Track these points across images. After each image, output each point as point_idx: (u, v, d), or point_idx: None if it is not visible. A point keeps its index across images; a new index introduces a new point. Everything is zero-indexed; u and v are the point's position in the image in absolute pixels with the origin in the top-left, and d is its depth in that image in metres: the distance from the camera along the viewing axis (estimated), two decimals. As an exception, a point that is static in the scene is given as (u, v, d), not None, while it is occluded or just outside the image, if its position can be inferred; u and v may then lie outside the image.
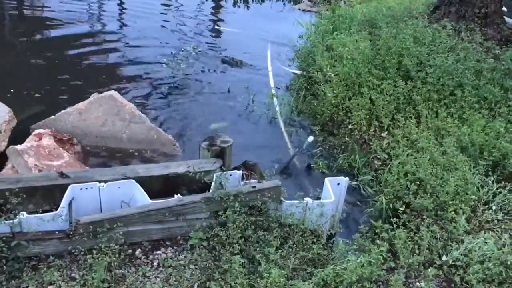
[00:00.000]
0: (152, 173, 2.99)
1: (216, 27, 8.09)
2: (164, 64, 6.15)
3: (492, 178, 3.60)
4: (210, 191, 2.98)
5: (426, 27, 5.16)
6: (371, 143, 4.50)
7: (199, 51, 6.82)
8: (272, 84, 6.01)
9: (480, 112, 4.16)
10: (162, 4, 8.81)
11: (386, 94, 4.64)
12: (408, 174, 3.65)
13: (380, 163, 4.13)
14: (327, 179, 3.40)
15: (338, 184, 3.46)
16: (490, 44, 4.96)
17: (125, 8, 8.50)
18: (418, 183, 3.55)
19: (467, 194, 3.40)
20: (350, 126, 4.74)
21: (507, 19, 5.59)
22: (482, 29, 5.25)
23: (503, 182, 3.68)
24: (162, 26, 7.68)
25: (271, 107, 5.39)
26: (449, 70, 4.53)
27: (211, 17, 8.68)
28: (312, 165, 4.41)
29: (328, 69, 5.28)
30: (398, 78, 4.78)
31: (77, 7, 8.04)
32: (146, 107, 5.06)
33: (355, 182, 4.12)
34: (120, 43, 6.89)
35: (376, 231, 3.38)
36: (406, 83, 4.65)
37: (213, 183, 3.03)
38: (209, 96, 5.69)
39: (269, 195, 2.97)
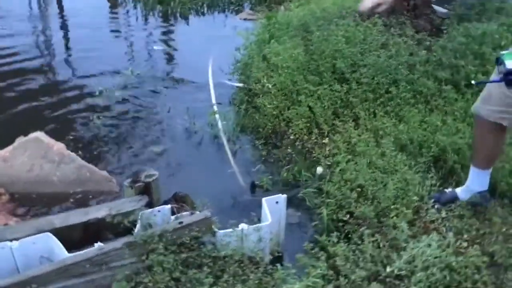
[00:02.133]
0: (70, 221, 2.77)
1: (154, 47, 7.88)
2: (98, 93, 5.92)
3: (432, 175, 3.53)
4: (135, 232, 2.79)
5: (357, 25, 5.08)
6: (313, 152, 4.39)
7: (138, 74, 6.61)
8: (213, 100, 5.85)
9: (416, 108, 4.09)
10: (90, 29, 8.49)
11: (324, 99, 4.54)
12: (348, 182, 3.53)
13: (325, 174, 4.01)
14: (264, 200, 3.25)
15: (277, 202, 3.32)
16: (421, 35, 4.91)
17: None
18: (359, 190, 3.44)
19: (408, 195, 3.31)
20: (291, 137, 4.62)
21: (436, 7, 5.57)
22: (413, 21, 5.21)
23: (445, 178, 3.63)
24: (93, 52, 7.38)
25: (213, 125, 5.23)
26: (383, 67, 4.46)
27: (147, 36, 8.45)
28: (256, 183, 4.25)
29: (265, 80, 5.16)
30: (334, 81, 4.69)
31: None
32: (78, 144, 4.81)
33: (301, 194, 3.99)
34: (47, 76, 6.64)
35: (322, 246, 3.26)
36: (342, 86, 4.56)
37: (138, 223, 2.84)
38: (148, 121, 5.48)
39: (199, 228, 2.79)
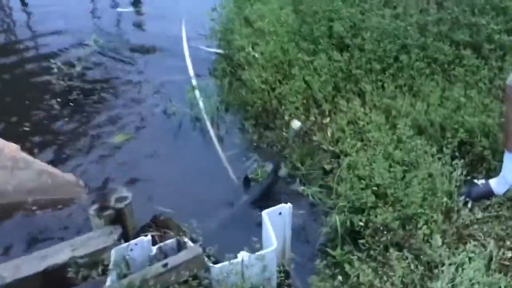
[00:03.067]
0: (23, 273, 2.16)
1: (119, 9, 6.95)
2: (56, 69, 5.11)
3: (458, 162, 2.97)
4: (109, 278, 2.20)
5: (354, -22, 4.33)
6: (312, 135, 3.78)
7: (101, 43, 5.77)
8: (191, 72, 5.11)
9: (433, 79, 3.47)
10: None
11: (321, 71, 3.88)
12: (361, 180, 2.96)
13: (330, 166, 3.41)
14: (264, 214, 2.66)
15: (280, 213, 2.74)
16: (430, -13, 4.21)
17: None
18: (375, 189, 2.87)
19: (435, 195, 2.77)
20: (286, 117, 3.98)
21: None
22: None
23: (473, 164, 3.09)
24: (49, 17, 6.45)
25: (193, 104, 4.53)
26: (389, 30, 3.79)
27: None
28: (250, 177, 3.65)
29: (250, 49, 4.44)
30: (332, 49, 4.01)
31: None
32: (34, 141, 4.09)
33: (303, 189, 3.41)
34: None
35: (336, 261, 2.75)
36: (342, 54, 3.89)
37: (111, 264, 2.24)
38: (116, 102, 4.74)
39: (189, 269, 2.21)
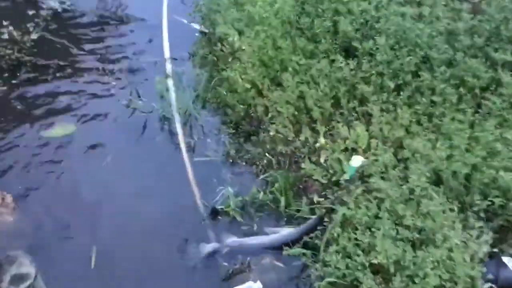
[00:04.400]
0: None
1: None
2: (5, 33, 4.27)
3: (487, 231, 2.29)
4: None
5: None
6: (300, 160, 3.05)
7: (67, 6, 4.89)
8: (167, 53, 4.29)
9: (461, 111, 2.71)
10: None
11: (320, 81, 3.11)
12: (357, 245, 2.27)
13: (322, 210, 2.70)
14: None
15: (246, 294, 2.07)
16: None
17: None
18: (376, 261, 2.19)
19: (455, 282, 2.09)
20: (271, 133, 3.23)
21: None
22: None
23: (502, 233, 2.40)
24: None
25: (164, 97, 3.75)
26: (409, 35, 3.00)
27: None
28: (219, 208, 2.95)
29: (235, 39, 3.62)
30: (335, 51, 3.22)
31: None
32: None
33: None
34: None
35: None
36: (347, 61, 3.11)
37: None
38: (71, 85, 3.95)
39: None
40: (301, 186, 2.99)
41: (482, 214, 2.37)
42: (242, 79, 3.46)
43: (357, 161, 2.73)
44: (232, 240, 2.75)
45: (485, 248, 2.24)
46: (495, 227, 2.38)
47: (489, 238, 2.27)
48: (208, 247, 2.74)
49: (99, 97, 3.86)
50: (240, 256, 2.68)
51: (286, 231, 2.70)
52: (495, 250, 2.33)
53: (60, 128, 3.47)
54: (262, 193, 2.96)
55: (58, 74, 4.06)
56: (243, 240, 2.75)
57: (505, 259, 2.26)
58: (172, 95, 3.76)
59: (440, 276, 2.03)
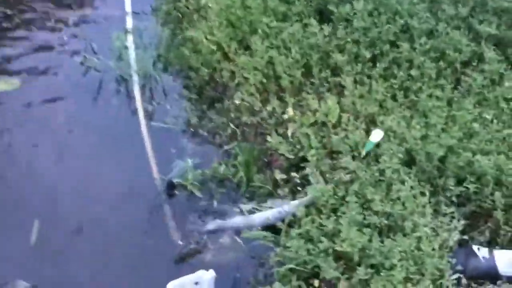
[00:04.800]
0: None
1: None
2: None
3: (458, 217, 2.15)
4: None
5: None
6: (268, 132, 2.83)
7: None
8: (128, 6, 3.92)
9: (440, 87, 2.52)
10: None
11: (291, 46, 2.86)
12: (322, 230, 2.10)
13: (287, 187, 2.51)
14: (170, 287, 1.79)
15: (197, 283, 1.88)
16: None
17: None
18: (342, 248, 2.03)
19: (422, 274, 1.96)
20: (237, 101, 2.99)
21: None
22: None
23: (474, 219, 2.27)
24: None
25: (122, 56, 3.44)
26: (389, 1, 2.75)
27: None
28: (176, 182, 2.72)
29: (201, -6, 3.31)
30: (310, 14, 2.96)
31: None
32: None
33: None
34: None
35: None
36: (321, 26, 2.85)
37: None
38: (15, 33, 3.58)
39: None
40: (266, 160, 2.80)
41: (454, 199, 2.23)
42: (207, 39, 3.18)
43: (377, 135, 2.42)
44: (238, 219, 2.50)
45: (456, 236, 2.11)
46: (467, 213, 2.24)
47: (460, 225, 2.13)
48: (209, 225, 2.50)
49: (49, 51, 3.53)
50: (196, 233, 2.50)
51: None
52: (465, 237, 2.21)
53: (2, 83, 3.13)
54: (223, 166, 2.75)
55: (4, 24, 3.67)
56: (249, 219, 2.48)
57: (474, 247, 2.13)
58: (131, 53, 3.45)
59: (407, 268, 1.89)
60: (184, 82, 3.33)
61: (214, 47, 3.17)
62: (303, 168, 2.60)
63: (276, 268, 2.14)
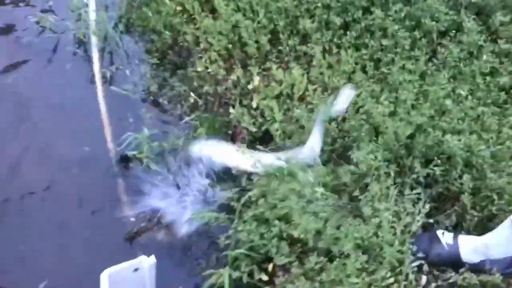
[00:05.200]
0: None
1: None
2: None
3: (425, 199, 2.02)
4: None
5: None
6: (232, 102, 2.65)
7: None
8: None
9: (411, 57, 2.33)
10: None
11: (258, 9, 2.63)
12: (274, 211, 1.96)
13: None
14: (104, 277, 1.65)
15: (137, 269, 1.74)
16: None
17: None
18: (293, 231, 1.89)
19: (380, 262, 1.83)
20: (199, 68, 2.78)
21: None
22: None
23: (440, 202, 2.13)
24: None
25: (81, 16, 3.18)
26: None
27: None
28: (130, 155, 2.55)
29: None
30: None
31: None
32: None
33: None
34: None
35: None
36: (291, -12, 2.63)
37: None
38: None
39: None
40: (229, 133, 2.63)
41: (421, 179, 2.09)
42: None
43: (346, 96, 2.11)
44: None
45: (420, 221, 1.97)
46: (433, 195, 2.11)
47: (425, 209, 1.99)
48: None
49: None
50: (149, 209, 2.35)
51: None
52: (431, 221, 2.08)
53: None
54: (183, 138, 2.57)
55: None
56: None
57: (439, 232, 2.00)
58: (91, 13, 3.20)
59: (362, 257, 1.76)
60: (146, 46, 3.11)
61: (178, 8, 2.94)
62: (268, 141, 2.46)
63: (228, 251, 2.01)
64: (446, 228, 2.05)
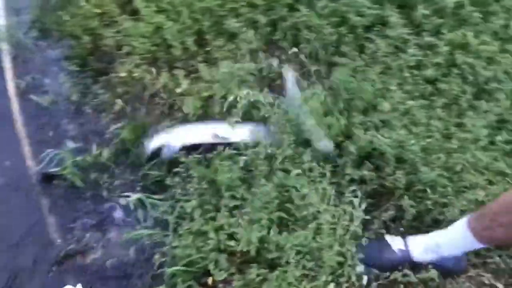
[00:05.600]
0: None
1: None
2: None
3: (361, 197, 2.00)
4: None
5: None
6: (161, 107, 2.53)
7: None
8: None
9: (338, 52, 2.30)
10: None
11: (181, 10, 2.52)
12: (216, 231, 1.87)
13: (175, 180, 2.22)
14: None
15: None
16: None
17: None
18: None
19: (322, 267, 1.79)
20: (123, 73, 2.62)
21: None
22: None
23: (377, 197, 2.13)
24: None
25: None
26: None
27: None
28: (52, 172, 2.35)
29: None
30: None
31: None
32: None
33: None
34: None
35: None
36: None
37: None
38: None
39: None
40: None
41: (356, 177, 2.08)
42: (87, 1, 2.75)
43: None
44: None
45: (359, 219, 1.96)
46: (368, 191, 2.11)
47: (361, 209, 1.98)
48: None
49: None
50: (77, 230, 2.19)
51: None
52: (368, 217, 2.07)
53: None
54: (107, 149, 2.41)
55: None
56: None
57: (388, 238, 1.97)
58: (1, 17, 2.94)
59: (302, 264, 1.72)
60: (65, 52, 2.89)
61: (97, 11, 2.76)
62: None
63: (164, 268, 1.90)
64: (385, 223, 2.06)
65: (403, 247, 1.88)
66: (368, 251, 1.87)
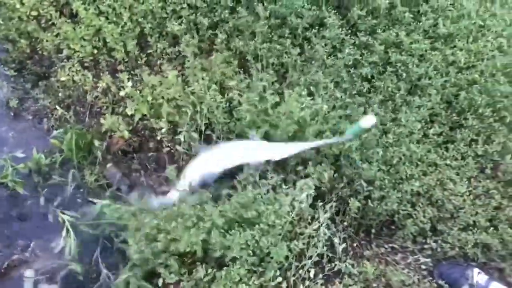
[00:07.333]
0: None
1: None
2: None
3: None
4: None
5: None
6: (105, 111, 2.50)
7: None
8: None
9: (280, 54, 2.37)
10: None
11: (121, 13, 2.49)
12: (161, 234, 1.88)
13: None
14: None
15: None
16: None
17: None
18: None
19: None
20: (62, 78, 2.56)
21: None
22: None
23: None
24: None
25: None
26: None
27: None
28: (-7, 181, 2.27)
29: None
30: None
31: None
32: None
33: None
34: None
35: None
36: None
37: None
38: None
39: None
40: (106, 144, 2.47)
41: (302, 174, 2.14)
42: (22, 4, 2.67)
43: (367, 122, 1.94)
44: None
45: (306, 211, 2.01)
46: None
47: (308, 202, 2.04)
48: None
49: None
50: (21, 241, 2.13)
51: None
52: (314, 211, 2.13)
53: None
54: (48, 156, 2.36)
55: None
56: None
57: (475, 271, 1.99)
58: None
59: (248, 261, 1.76)
60: (1, 56, 2.79)
61: (33, 14, 2.68)
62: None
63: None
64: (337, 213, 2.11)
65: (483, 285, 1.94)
66: (448, 272, 1.98)
